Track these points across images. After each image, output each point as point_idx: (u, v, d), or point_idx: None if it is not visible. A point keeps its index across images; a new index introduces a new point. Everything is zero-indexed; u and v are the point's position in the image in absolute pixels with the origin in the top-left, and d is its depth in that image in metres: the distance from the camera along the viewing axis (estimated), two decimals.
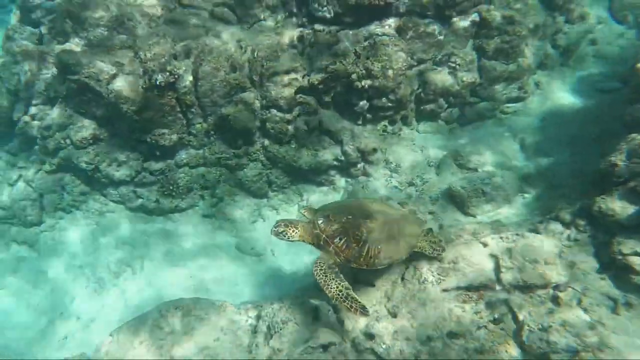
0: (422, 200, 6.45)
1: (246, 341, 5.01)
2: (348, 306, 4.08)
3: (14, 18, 8.01)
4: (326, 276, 4.29)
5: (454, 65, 6.96)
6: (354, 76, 6.63)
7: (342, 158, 7.12)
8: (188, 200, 7.71)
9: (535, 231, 4.64)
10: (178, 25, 7.15)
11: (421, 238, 4.63)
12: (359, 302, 4.09)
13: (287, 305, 4.99)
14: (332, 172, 7.35)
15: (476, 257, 4.37)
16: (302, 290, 5.33)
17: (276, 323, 4.84)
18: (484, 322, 3.83)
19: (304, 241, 4.70)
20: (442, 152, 7.13)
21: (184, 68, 6.74)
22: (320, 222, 4.59)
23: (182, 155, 7.49)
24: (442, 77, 7.03)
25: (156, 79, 6.65)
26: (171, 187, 7.58)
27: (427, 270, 4.38)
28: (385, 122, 7.28)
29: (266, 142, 7.27)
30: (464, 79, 7.03)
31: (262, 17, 7.31)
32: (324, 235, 4.51)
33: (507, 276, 4.18)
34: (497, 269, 4.27)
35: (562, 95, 7.41)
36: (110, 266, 7.45)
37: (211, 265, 7.18)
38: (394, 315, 4.16)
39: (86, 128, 7.44)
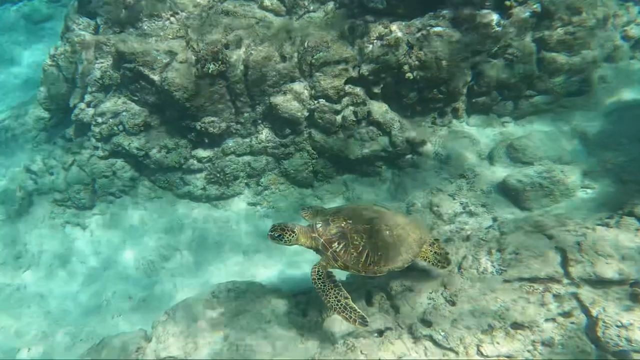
0: (473, 193, 6.34)
1: (298, 324, 5.05)
2: (347, 317, 4.05)
3: (71, 9, 8.26)
4: (324, 285, 4.24)
5: (510, 57, 6.79)
6: (405, 67, 6.58)
7: (390, 149, 7.10)
8: (234, 188, 7.82)
9: (606, 226, 4.46)
10: (229, 15, 7.22)
11: (426, 247, 4.49)
12: (358, 312, 4.06)
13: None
14: (379, 163, 7.33)
15: (540, 249, 4.25)
16: (352, 277, 5.34)
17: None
18: (553, 314, 3.72)
19: (302, 245, 4.62)
20: (494, 145, 7.00)
21: (235, 57, 6.83)
22: (319, 225, 4.52)
23: (230, 143, 7.59)
24: (497, 70, 6.89)
25: (208, 68, 6.75)
26: (218, 175, 7.71)
27: (486, 261, 4.30)
28: (435, 114, 7.21)
29: (313, 132, 7.28)
30: (521, 71, 6.85)
31: (311, 8, 7.32)
32: (322, 240, 4.43)
33: (576, 269, 4.05)
34: (565, 261, 4.14)
35: (631, 90, 7.09)
36: (159, 250, 7.65)
37: (258, 252, 7.27)
38: (452, 303, 4.11)
39: (138, 115, 7.64)
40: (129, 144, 7.77)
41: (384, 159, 7.30)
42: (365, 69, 6.77)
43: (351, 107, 7.02)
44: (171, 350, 5.20)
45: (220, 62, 6.75)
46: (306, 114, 7.10)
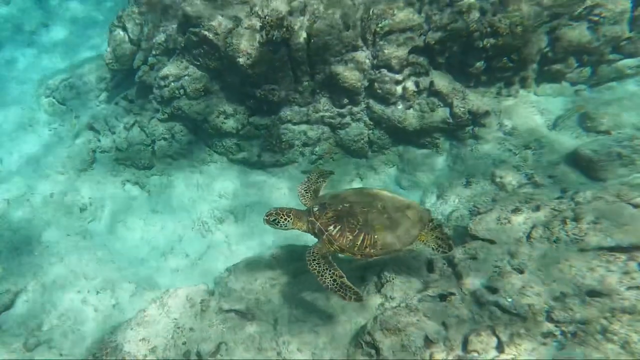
0: (539, 164, 6.29)
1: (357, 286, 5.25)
2: (342, 295, 4.15)
3: None
4: (319, 266, 4.31)
5: (597, 18, 6.46)
6: (476, 35, 6.46)
7: (451, 120, 7.07)
8: (289, 156, 8.00)
9: None
10: None
11: (427, 231, 4.52)
12: (353, 288, 4.17)
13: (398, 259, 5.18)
14: (437, 135, 7.34)
15: (624, 218, 4.21)
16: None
17: (388, 273, 5.03)
18: (638, 282, 3.72)
19: (299, 230, 4.72)
20: (565, 114, 6.84)
21: (299, 24, 6.89)
22: (315, 209, 4.60)
23: (287, 112, 7.73)
24: (578, 33, 6.62)
25: (272, 35, 6.85)
26: (273, 142, 7.89)
27: (559, 230, 4.34)
28: (502, 84, 7.10)
29: (371, 102, 7.33)
30: (608, 33, 6.50)
31: None
32: (318, 224, 4.51)
33: None
34: None
35: None
36: (214, 212, 7.95)
37: None
38: (521, 271, 4.20)
39: (199, 80, 7.85)
40: (189, 107, 8.01)
41: (443, 131, 7.29)
42: (432, 37, 6.70)
43: (413, 78, 7.01)
44: (233, 304, 5.50)
45: (284, 30, 6.84)
46: (366, 84, 7.14)
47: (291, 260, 5.99)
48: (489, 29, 6.44)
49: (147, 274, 7.19)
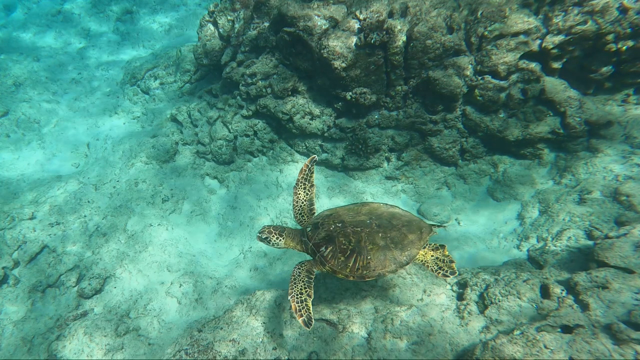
0: None
1: (452, 305, 5.03)
2: (297, 309, 4.11)
3: None
4: (299, 275, 4.32)
5: None
6: (609, 37, 5.95)
7: (562, 131, 6.62)
8: (373, 160, 7.83)
9: None
10: None
11: (426, 251, 4.31)
12: (310, 313, 4.10)
13: (505, 279, 4.91)
14: (541, 145, 6.92)
15: None
16: (515, 266, 5.21)
17: (493, 295, 4.78)
18: None
19: (293, 249, 4.62)
20: None
21: (399, 27, 6.68)
22: (308, 229, 4.46)
23: (375, 116, 7.55)
24: None
25: (371, 38, 6.68)
26: (359, 146, 7.73)
27: None
28: (630, 91, 6.53)
29: (468, 109, 7.03)
30: None
31: None
32: (310, 244, 4.38)
33: None
34: None
35: None
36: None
37: None
38: None
39: (288, 79, 7.79)
40: (275, 106, 7.97)
41: (550, 142, 6.86)
42: (550, 41, 6.26)
43: (520, 84, 6.62)
44: (324, 313, 5.39)
45: (384, 33, 6.65)
46: (465, 90, 6.84)
47: None
48: (629, 30, 5.90)
49: (227, 271, 7.22)
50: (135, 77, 10.76)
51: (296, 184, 4.96)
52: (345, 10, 7.09)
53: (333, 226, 4.33)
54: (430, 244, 4.41)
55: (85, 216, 7.95)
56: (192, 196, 8.52)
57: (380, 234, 4.20)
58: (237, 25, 8.13)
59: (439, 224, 4.52)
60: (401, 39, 6.72)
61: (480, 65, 6.61)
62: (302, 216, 4.86)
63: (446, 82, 6.74)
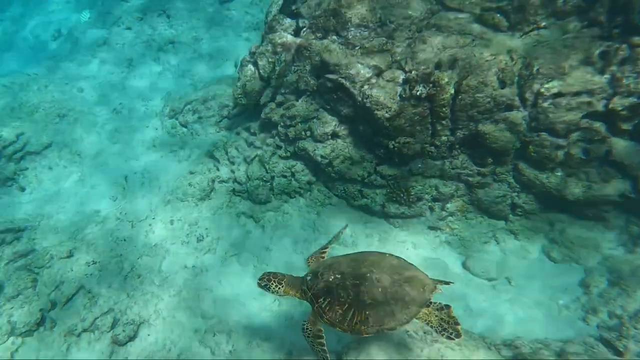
0: None
1: None
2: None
3: (274, 7, 8.42)
4: (313, 344, 4.36)
5: None
6: None
7: (633, 195, 6.14)
8: (415, 209, 7.55)
9: None
10: (442, 30, 6.82)
11: (430, 310, 4.15)
12: None
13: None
14: (607, 208, 6.45)
15: None
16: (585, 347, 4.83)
17: None
18: None
19: (294, 297, 4.60)
20: None
21: (446, 80, 6.44)
22: (308, 278, 4.42)
23: (418, 164, 7.29)
24: None
25: (417, 90, 6.46)
26: (401, 194, 7.48)
27: None
28: None
29: (521, 165, 6.68)
30: None
31: (542, 24, 6.52)
32: (310, 293, 4.34)
33: None
34: None
35: None
36: None
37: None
38: None
39: (328, 124, 7.64)
40: (314, 150, 7.82)
41: (618, 205, 6.39)
42: (619, 103, 5.85)
43: (580, 144, 6.22)
44: None
45: (430, 85, 6.42)
46: (518, 145, 6.51)
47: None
48: None
49: (261, 321, 7.02)
50: (174, 110, 10.82)
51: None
52: (390, 59, 6.91)
53: (332, 277, 4.26)
54: (435, 303, 4.23)
55: (121, 255, 7.95)
56: (227, 236, 8.41)
57: (380, 289, 4.09)
58: (277, 68, 8.04)
59: (445, 282, 4.50)
60: (449, 91, 6.47)
61: (536, 122, 6.27)
62: (310, 257, 4.96)
63: (497, 137, 6.44)
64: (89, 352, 6.80)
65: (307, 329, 4.41)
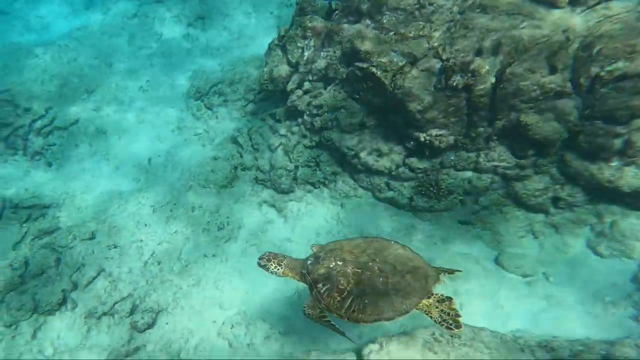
0: None
1: None
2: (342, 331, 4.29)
3: None
4: (323, 324, 4.33)
5: None
6: None
7: None
8: (445, 203, 7.18)
9: None
10: (487, 11, 6.25)
11: (431, 301, 4.09)
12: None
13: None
14: None
15: None
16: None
17: None
18: None
19: (291, 278, 4.58)
20: None
21: (487, 67, 5.97)
22: (309, 262, 4.38)
23: (451, 157, 6.90)
24: None
25: (454, 80, 6.05)
26: (431, 188, 7.13)
27: None
28: None
29: (568, 156, 6.16)
30: None
31: None
32: (309, 277, 4.29)
33: None
34: None
35: None
36: None
37: (467, 275, 6.55)
38: None
39: (357, 114, 7.30)
40: (340, 141, 7.52)
41: None
42: None
43: None
44: None
45: (469, 75, 5.99)
46: (566, 136, 6.00)
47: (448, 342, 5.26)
48: None
49: (281, 313, 6.86)
50: (199, 91, 10.63)
51: None
52: (426, 45, 6.47)
53: (333, 263, 4.22)
54: (436, 295, 4.19)
55: (141, 240, 7.88)
56: (249, 225, 8.24)
57: (381, 279, 4.06)
58: (306, 53, 7.71)
59: (450, 270, 4.42)
60: (489, 80, 6.01)
61: (590, 109, 5.71)
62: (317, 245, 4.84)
63: (541, 128, 5.95)
64: (109, 335, 6.78)
65: (308, 313, 4.38)
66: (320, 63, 7.56)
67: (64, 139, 10.21)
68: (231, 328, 6.72)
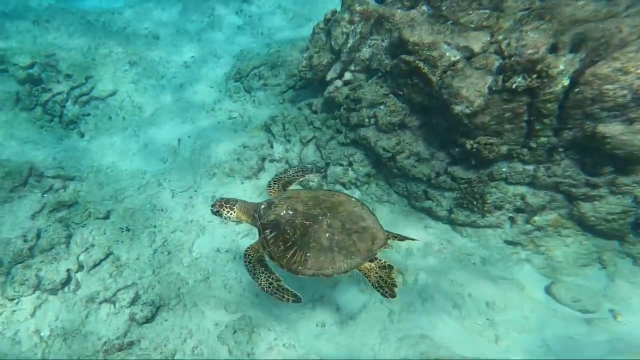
0: None
1: None
2: (280, 297, 4.15)
3: None
4: (255, 269, 4.27)
5: None
6: None
7: None
8: (490, 219, 6.23)
9: None
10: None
11: (372, 265, 4.05)
12: (291, 291, 4.15)
13: None
14: None
15: None
16: None
17: None
18: None
19: (245, 222, 4.57)
20: None
21: (561, 67, 4.92)
22: (262, 207, 4.38)
23: (503, 168, 5.92)
24: None
25: (514, 82, 5.06)
26: (474, 201, 6.18)
27: None
28: None
29: None
30: None
31: None
32: (259, 222, 4.28)
33: None
34: None
35: None
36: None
37: (508, 303, 5.64)
38: None
39: (397, 113, 6.44)
40: (376, 141, 6.69)
41: None
42: None
43: None
44: None
45: (534, 76, 4.98)
46: None
47: None
48: None
49: (288, 323, 6.19)
50: (240, 73, 10.05)
51: (297, 167, 5.17)
52: (488, 39, 5.48)
53: (284, 212, 4.20)
54: (380, 260, 4.14)
55: (155, 226, 7.43)
56: None
57: (327, 234, 4.03)
58: (351, 40, 6.88)
59: (402, 237, 4.25)
60: (561, 83, 4.97)
61: None
62: (275, 185, 4.89)
63: (625, 142, 4.87)
64: (106, 324, 6.38)
65: (248, 254, 4.37)
66: (365, 52, 6.74)
67: (99, 110, 9.97)
68: (234, 333, 6.13)
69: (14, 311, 6.52)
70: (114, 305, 6.52)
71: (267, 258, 4.33)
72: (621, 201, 5.38)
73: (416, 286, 6.08)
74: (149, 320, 6.30)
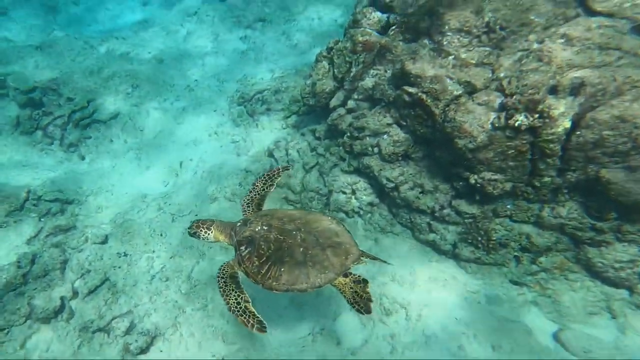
0: None
1: None
2: (244, 321, 4.02)
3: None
4: (226, 286, 4.20)
5: None
6: None
7: None
8: (495, 256, 6.10)
9: None
10: (572, 43, 5.15)
11: (347, 280, 4.03)
12: (257, 317, 4.03)
13: None
14: None
15: None
16: None
17: None
18: None
19: (223, 242, 4.54)
20: None
21: (562, 109, 4.89)
22: (238, 225, 4.40)
23: (508, 205, 5.82)
24: None
25: (516, 120, 5.00)
26: (479, 238, 6.07)
27: None
28: None
29: None
30: None
31: None
32: (236, 239, 4.29)
33: None
34: None
35: None
36: (382, 299, 6.46)
37: (516, 348, 5.45)
38: None
39: (400, 144, 6.37)
40: (380, 170, 6.62)
41: None
42: None
43: None
44: None
45: (536, 116, 4.93)
46: None
47: None
48: None
49: (292, 351, 5.99)
50: (243, 97, 10.05)
51: (261, 176, 5.07)
52: (489, 76, 5.46)
53: (259, 227, 4.22)
54: (354, 275, 4.11)
55: (154, 252, 7.31)
56: None
57: (301, 249, 4.02)
58: (354, 69, 6.87)
59: (374, 257, 4.28)
60: (562, 125, 4.92)
61: None
62: (249, 206, 4.84)
63: (628, 190, 4.78)
64: (99, 354, 6.21)
65: (223, 270, 4.30)
66: (368, 82, 6.70)
67: (100, 133, 9.92)
68: None
69: (3, 342, 6.33)
70: (108, 335, 6.35)
71: (242, 275, 4.30)
72: (628, 249, 5.26)
73: (419, 322, 5.93)
74: (143, 350, 6.13)
